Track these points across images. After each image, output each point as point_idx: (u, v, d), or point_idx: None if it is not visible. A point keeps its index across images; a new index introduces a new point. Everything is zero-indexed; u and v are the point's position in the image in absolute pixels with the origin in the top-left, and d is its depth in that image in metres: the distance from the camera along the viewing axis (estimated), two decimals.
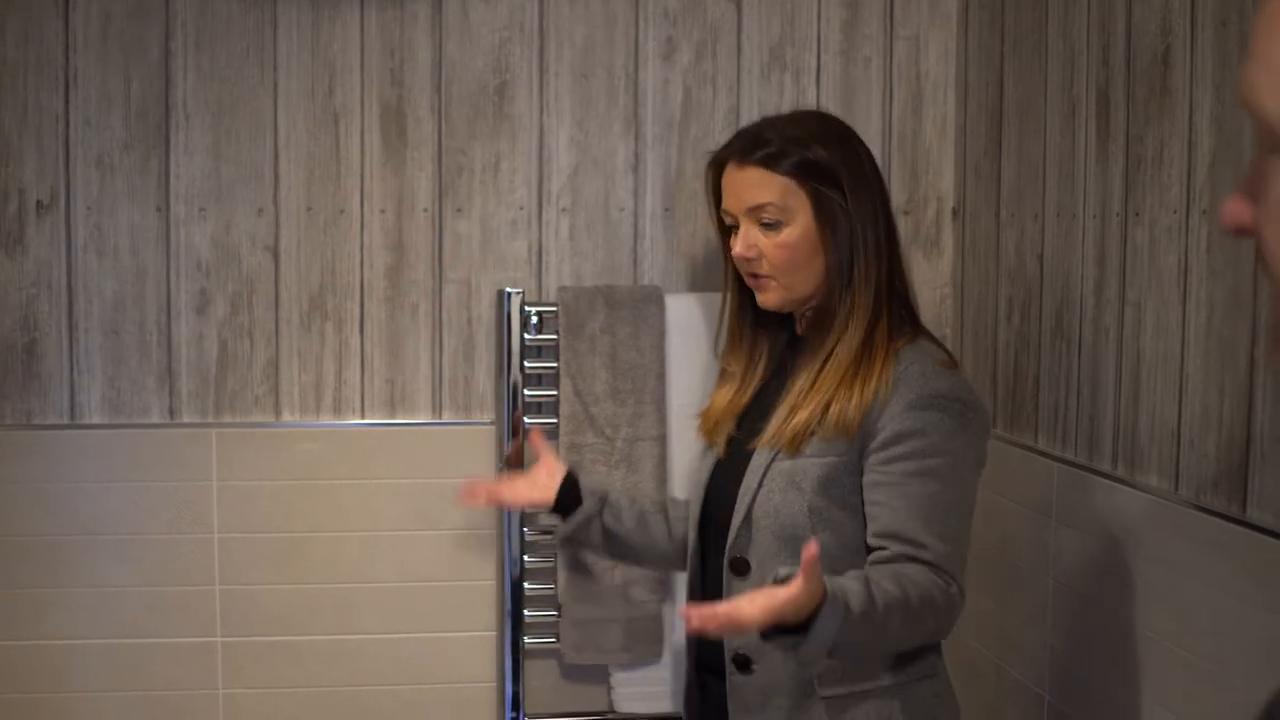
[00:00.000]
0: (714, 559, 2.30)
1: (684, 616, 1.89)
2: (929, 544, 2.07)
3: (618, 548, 2.52)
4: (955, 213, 3.06)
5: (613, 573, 2.90)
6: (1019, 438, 2.68)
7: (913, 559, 2.07)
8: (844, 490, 2.17)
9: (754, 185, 2.23)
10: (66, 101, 2.90)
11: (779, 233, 2.22)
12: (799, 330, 2.33)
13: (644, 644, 2.91)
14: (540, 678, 3.06)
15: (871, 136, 3.00)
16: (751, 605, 1.84)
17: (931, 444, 2.12)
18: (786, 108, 2.92)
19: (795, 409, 2.20)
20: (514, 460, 2.91)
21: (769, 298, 2.27)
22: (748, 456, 2.26)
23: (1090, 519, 2.39)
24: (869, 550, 2.13)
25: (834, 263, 2.22)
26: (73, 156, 2.91)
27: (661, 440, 2.91)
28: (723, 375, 2.43)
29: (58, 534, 2.94)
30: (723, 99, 3.02)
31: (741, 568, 2.21)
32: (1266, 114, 0.91)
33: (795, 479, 2.18)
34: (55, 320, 2.92)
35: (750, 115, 2.98)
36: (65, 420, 2.94)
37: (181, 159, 2.93)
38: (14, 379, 2.91)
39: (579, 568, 2.90)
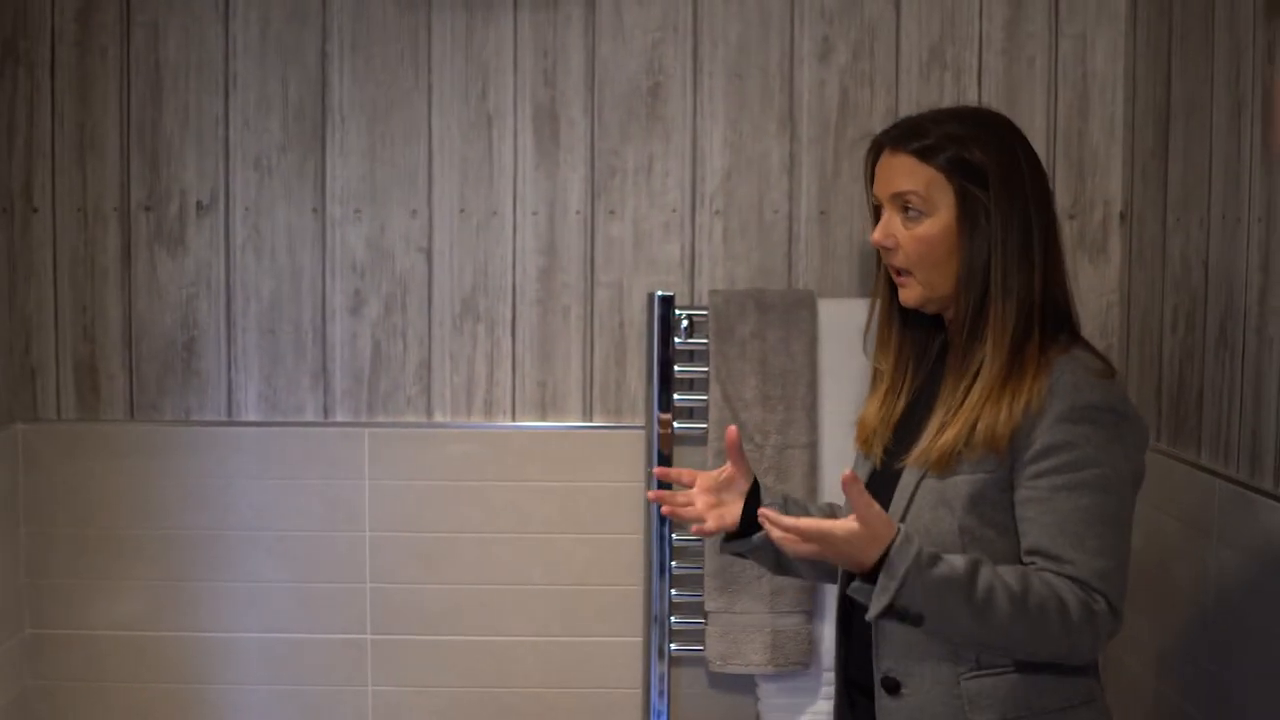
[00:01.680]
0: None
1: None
2: (1077, 560, 2.02)
3: (786, 568, 2.47)
4: (1123, 217, 2.98)
5: (760, 582, 2.88)
6: (1182, 452, 2.59)
7: (1059, 575, 2.02)
8: (994, 508, 2.11)
9: (903, 172, 2.18)
10: (226, 104, 2.95)
11: (919, 224, 2.17)
12: (949, 337, 2.27)
13: (791, 655, 2.87)
14: (687, 686, 3.04)
15: (1035, 137, 2.89)
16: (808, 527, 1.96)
17: (1083, 457, 2.06)
18: (924, 110, 2.88)
19: (943, 427, 2.15)
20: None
21: (908, 294, 2.22)
22: (898, 473, 2.22)
23: (1251, 539, 2.30)
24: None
25: (970, 264, 2.16)
26: (232, 158, 2.96)
27: (812, 448, 2.87)
28: (875, 378, 2.38)
29: (213, 529, 3.00)
30: (880, 99, 2.97)
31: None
32: None
33: (945, 497, 2.13)
34: (214, 319, 2.98)
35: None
36: (222, 417, 3.00)
37: (337, 161, 2.97)
38: (173, 376, 2.97)
39: (725, 575, 2.88)
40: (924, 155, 2.16)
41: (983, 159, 2.14)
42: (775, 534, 2.00)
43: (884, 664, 2.12)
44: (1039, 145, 2.86)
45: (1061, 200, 2.96)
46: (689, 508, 2.32)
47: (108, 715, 2.99)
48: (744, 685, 2.99)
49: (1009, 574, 1.97)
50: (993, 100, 2.97)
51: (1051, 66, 2.98)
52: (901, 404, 2.29)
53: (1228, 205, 2.42)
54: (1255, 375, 2.31)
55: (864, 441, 2.33)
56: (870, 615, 1.95)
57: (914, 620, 1.96)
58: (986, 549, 2.09)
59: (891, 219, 2.19)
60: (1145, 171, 2.86)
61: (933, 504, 2.13)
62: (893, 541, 1.96)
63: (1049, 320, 2.15)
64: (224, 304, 2.98)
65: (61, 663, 2.98)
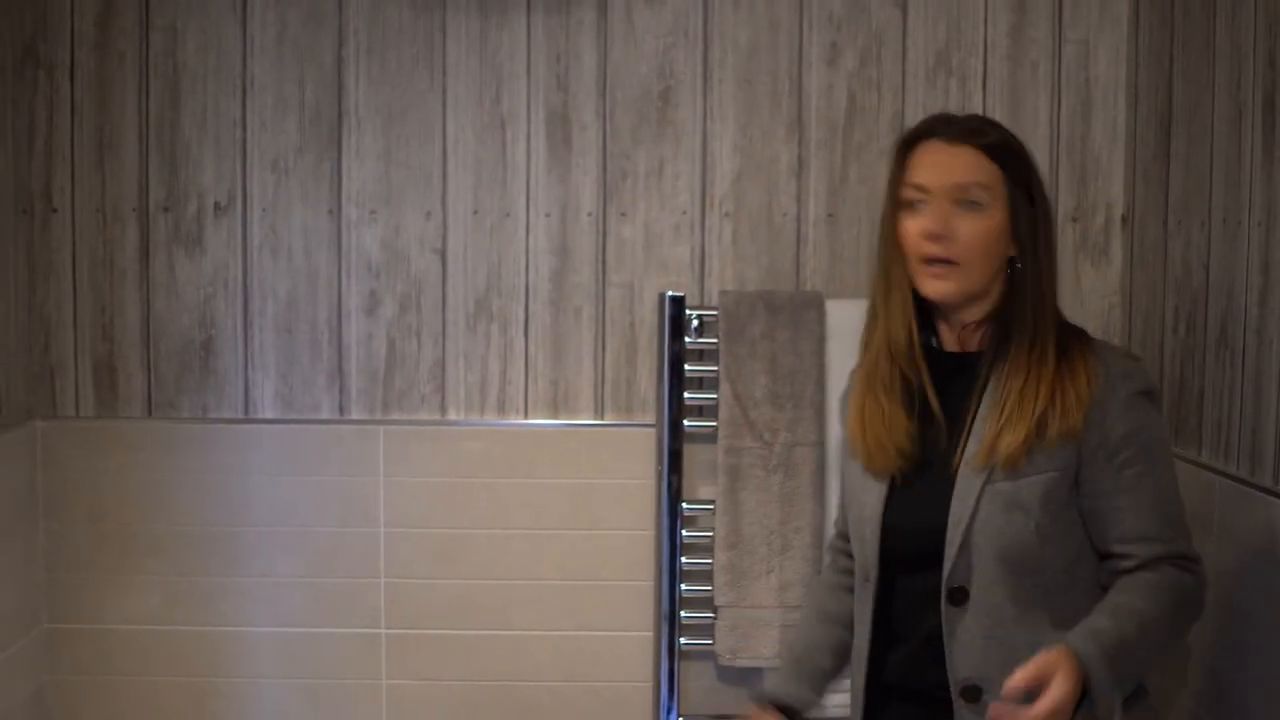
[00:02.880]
0: (913, 589, 2.21)
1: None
2: (1173, 536, 2.13)
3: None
4: (1124, 220, 3.02)
5: (769, 576, 2.92)
6: (1183, 451, 2.63)
7: (1166, 556, 2.11)
8: (1063, 505, 2.13)
9: (965, 164, 2.16)
10: (244, 107, 2.98)
11: (978, 217, 2.16)
12: (948, 341, 2.25)
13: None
14: (696, 679, 3.07)
15: (1039, 142, 3.00)
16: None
17: (1151, 439, 2.15)
18: (953, 112, 2.90)
19: (1005, 426, 2.14)
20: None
21: (945, 286, 2.18)
22: (948, 479, 2.18)
23: (1251, 535, 2.34)
24: (1107, 556, 2.14)
25: (1008, 262, 2.19)
26: (249, 160, 2.99)
27: (820, 446, 2.91)
28: (862, 387, 2.30)
29: (229, 525, 3.03)
30: (887, 104, 3.01)
31: (960, 597, 2.14)
32: None
33: (1019, 499, 2.11)
34: (231, 318, 3.01)
35: (915, 120, 2.86)
36: (239, 415, 3.03)
37: (353, 163, 3.00)
38: (191, 374, 3.00)
39: (736, 569, 2.91)
40: (988, 150, 2.16)
41: (1028, 161, 2.20)
42: None
43: (960, 672, 2.11)
44: (1042, 149, 3.00)
45: (1064, 204, 3.01)
46: None
47: (124, 710, 3.02)
48: (753, 679, 3.00)
49: (1135, 598, 2.08)
50: (997, 105, 3.00)
51: (1055, 72, 3.02)
52: (912, 412, 2.24)
53: (1228, 209, 2.46)
54: (1255, 375, 2.35)
55: (868, 453, 2.25)
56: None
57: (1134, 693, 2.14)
58: (1060, 544, 2.12)
59: (944, 207, 2.15)
60: (1147, 175, 2.90)
61: (1004, 506, 2.12)
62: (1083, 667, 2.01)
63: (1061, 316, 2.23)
64: (241, 304, 3.01)
65: (79, 657, 3.01)
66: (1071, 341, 2.18)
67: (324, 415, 3.04)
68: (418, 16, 2.98)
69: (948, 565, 2.13)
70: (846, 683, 2.30)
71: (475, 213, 3.02)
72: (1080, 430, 2.11)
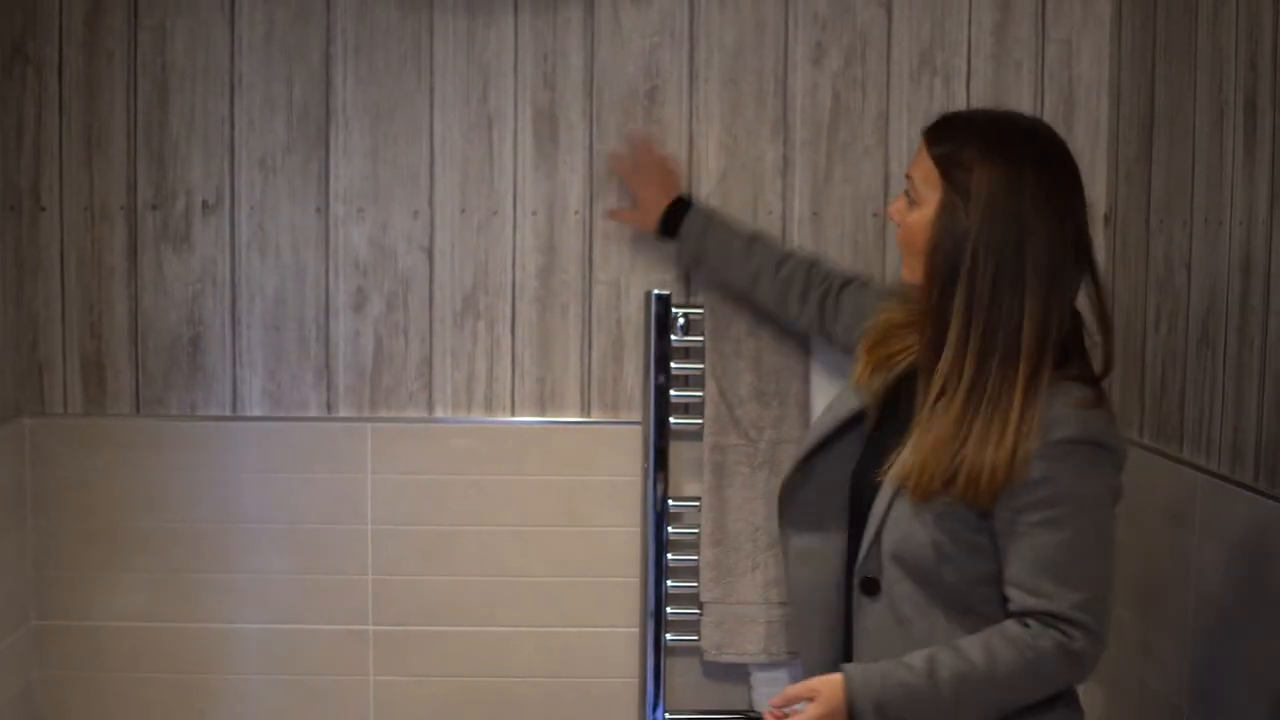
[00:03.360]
0: (852, 556, 2.28)
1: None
2: (1056, 594, 2.06)
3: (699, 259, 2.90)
4: (1107, 219, 3.04)
5: (755, 573, 2.94)
6: (1164, 447, 2.66)
7: (1038, 612, 2.07)
8: (967, 529, 2.13)
9: (918, 157, 2.22)
10: (231, 105, 2.99)
11: (911, 210, 2.21)
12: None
13: (784, 644, 2.93)
14: (682, 675, 3.09)
15: None
16: None
17: (1061, 492, 2.07)
18: (936, 112, 2.82)
19: (920, 456, 2.14)
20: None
21: (905, 272, 2.26)
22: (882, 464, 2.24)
23: (1232, 531, 2.37)
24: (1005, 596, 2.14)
25: (935, 269, 2.15)
26: (237, 158, 3.00)
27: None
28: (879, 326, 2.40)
29: (218, 521, 3.04)
30: (872, 103, 3.03)
31: (871, 588, 2.21)
32: None
33: (920, 515, 2.15)
34: (219, 316, 3.02)
35: (900, 120, 3.01)
36: (227, 412, 3.04)
37: (340, 161, 3.01)
38: (179, 371, 3.02)
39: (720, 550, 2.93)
40: (930, 145, 2.19)
41: (975, 169, 2.12)
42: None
43: (863, 657, 2.22)
44: None
45: None
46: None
47: (113, 706, 3.03)
48: (738, 674, 3.04)
49: (973, 649, 2.06)
50: (981, 104, 3.00)
51: (1038, 71, 3.03)
52: (895, 373, 2.30)
53: (1210, 209, 2.49)
54: (1236, 373, 2.38)
55: (863, 374, 2.34)
56: None
57: None
58: (959, 565, 2.13)
59: (901, 197, 2.25)
60: (1129, 175, 2.92)
61: (909, 517, 2.15)
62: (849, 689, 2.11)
63: (1042, 352, 2.11)
64: (229, 301, 3.02)
65: (67, 654, 3.01)
66: (1035, 379, 2.09)
67: (312, 413, 3.05)
68: (405, 16, 2.99)
69: (861, 554, 2.21)
70: None
71: (463, 211, 3.03)
72: (989, 500, 2.09)
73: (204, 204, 3.00)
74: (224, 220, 3.01)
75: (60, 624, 3.01)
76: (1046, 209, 2.10)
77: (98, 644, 3.02)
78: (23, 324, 2.96)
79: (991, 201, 2.10)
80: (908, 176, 2.24)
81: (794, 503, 2.44)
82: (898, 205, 2.25)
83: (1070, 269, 2.14)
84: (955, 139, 2.16)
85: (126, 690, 3.04)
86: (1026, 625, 2.07)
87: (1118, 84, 3.00)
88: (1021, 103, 3.02)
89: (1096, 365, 2.20)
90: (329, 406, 3.06)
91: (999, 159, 2.12)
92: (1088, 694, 2.34)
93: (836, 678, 2.11)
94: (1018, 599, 2.08)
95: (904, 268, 2.26)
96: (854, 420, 2.35)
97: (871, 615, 2.17)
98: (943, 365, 2.13)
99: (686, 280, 3.04)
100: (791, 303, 2.81)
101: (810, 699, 2.11)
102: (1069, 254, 2.13)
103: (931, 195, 2.17)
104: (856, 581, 2.23)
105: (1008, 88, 3.03)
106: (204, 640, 3.06)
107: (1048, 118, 2.99)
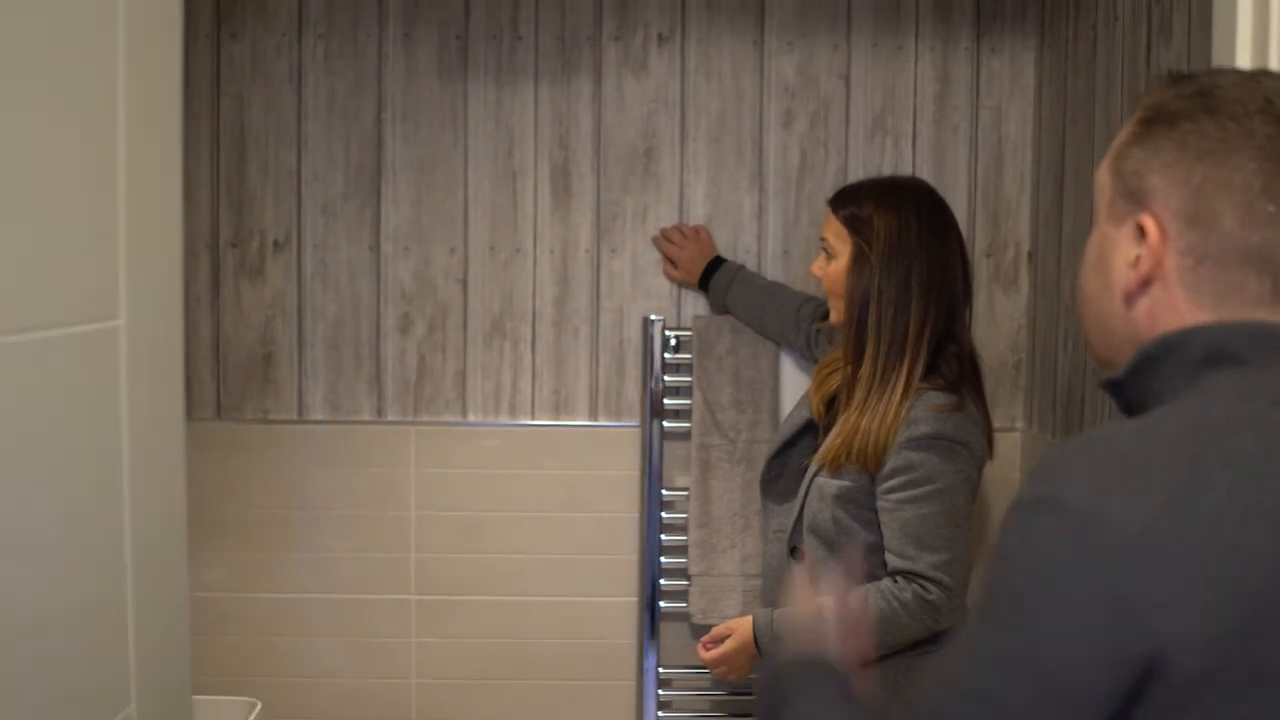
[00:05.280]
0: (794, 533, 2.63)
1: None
2: (917, 556, 2.40)
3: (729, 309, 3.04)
4: (1030, 256, 3.27)
5: (733, 551, 3.16)
6: None
7: (904, 571, 2.39)
8: (859, 506, 2.48)
9: (827, 223, 2.59)
10: (299, 160, 3.21)
11: (830, 263, 2.57)
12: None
13: (757, 608, 3.03)
14: (674, 636, 3.28)
15: (959, 190, 3.22)
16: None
17: (921, 476, 2.41)
18: (888, 167, 3.18)
19: (836, 440, 2.49)
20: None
21: (832, 315, 2.62)
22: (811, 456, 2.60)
23: None
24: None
25: (852, 300, 2.49)
26: (303, 205, 3.21)
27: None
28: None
29: (287, 509, 3.24)
30: (833, 159, 3.25)
31: (797, 555, 2.57)
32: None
33: (824, 492, 2.51)
34: (288, 337, 3.23)
35: (856, 173, 3.22)
36: (294, 417, 3.24)
37: (389, 208, 3.22)
38: (254, 383, 3.24)
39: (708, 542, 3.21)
40: (836, 211, 2.57)
41: (874, 222, 2.48)
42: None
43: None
44: (962, 196, 3.16)
45: (980, 242, 3.23)
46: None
47: (199, 664, 3.21)
48: None
49: (855, 597, 2.31)
50: (924, 160, 3.24)
51: (973, 133, 3.26)
52: (835, 386, 2.63)
53: None
54: None
55: (812, 393, 2.68)
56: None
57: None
58: (853, 537, 2.46)
59: (820, 255, 2.60)
60: (1047, 219, 3.19)
61: (818, 496, 2.51)
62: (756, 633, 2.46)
63: (922, 361, 2.47)
64: (296, 325, 3.21)
65: None
66: (909, 383, 2.42)
67: (365, 417, 3.22)
68: (444, 87, 3.19)
69: (789, 527, 2.56)
70: None
71: (491, 249, 3.23)
72: (872, 464, 2.42)
73: (275, 243, 3.20)
74: (292, 257, 3.21)
75: None
76: (930, 241, 2.50)
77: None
78: None
79: (889, 241, 2.49)
80: (822, 239, 2.59)
81: (769, 492, 2.81)
82: (819, 262, 2.62)
83: (948, 285, 2.50)
84: (855, 201, 2.55)
85: (210, 651, 3.17)
86: (895, 581, 2.43)
87: (1039, 143, 3.25)
88: (959, 158, 3.24)
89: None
90: (379, 412, 3.23)
91: (890, 209, 2.51)
92: None
93: (748, 618, 2.53)
94: (890, 561, 2.44)
95: (832, 311, 2.61)
96: (808, 426, 2.75)
97: (794, 576, 2.59)
98: (862, 371, 2.50)
99: (678, 307, 3.25)
100: (788, 335, 3.11)
101: (728, 635, 2.54)
102: (945, 273, 2.50)
103: (844, 248, 2.55)
104: (788, 549, 2.61)
105: (947, 146, 3.25)
106: (277, 608, 3.24)
107: (981, 171, 3.24)
